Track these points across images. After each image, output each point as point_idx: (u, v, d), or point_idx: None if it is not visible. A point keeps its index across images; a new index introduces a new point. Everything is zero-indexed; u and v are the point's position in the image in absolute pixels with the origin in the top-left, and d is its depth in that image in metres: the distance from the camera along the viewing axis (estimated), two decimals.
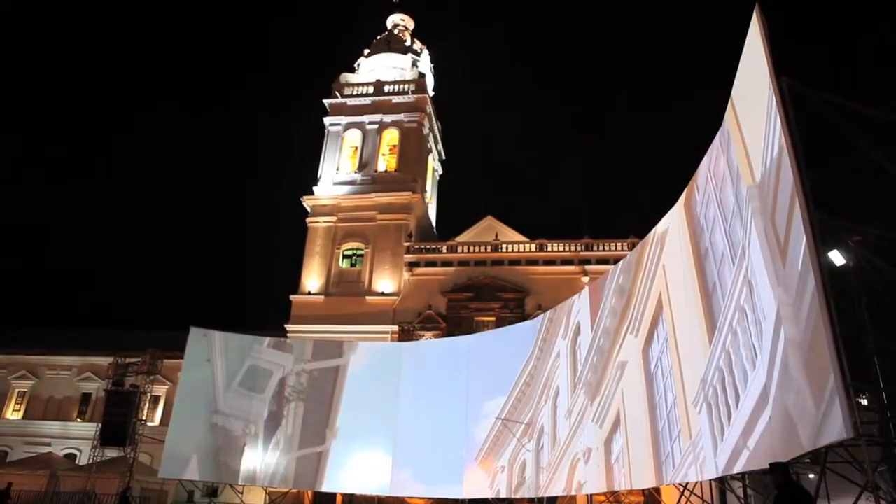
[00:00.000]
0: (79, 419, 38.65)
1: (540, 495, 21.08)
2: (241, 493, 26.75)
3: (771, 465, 7.66)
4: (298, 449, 25.11)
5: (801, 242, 8.55)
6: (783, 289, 9.27)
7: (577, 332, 20.37)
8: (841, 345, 7.82)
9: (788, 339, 9.11)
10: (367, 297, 36.53)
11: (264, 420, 25.42)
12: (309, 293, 37.32)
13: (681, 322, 14.48)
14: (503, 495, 22.37)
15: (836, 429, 7.58)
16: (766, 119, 9.93)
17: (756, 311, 10.43)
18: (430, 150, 45.12)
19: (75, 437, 37.43)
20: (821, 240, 8.71)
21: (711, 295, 12.80)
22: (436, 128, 46.42)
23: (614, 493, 20.44)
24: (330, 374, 26.24)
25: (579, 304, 20.66)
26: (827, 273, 8.42)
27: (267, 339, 27.13)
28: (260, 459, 24.78)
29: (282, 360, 26.57)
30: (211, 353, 25.84)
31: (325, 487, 25.46)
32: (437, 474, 23.69)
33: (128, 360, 29.86)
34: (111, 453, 29.12)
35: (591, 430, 18.53)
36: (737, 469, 11.42)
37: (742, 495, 13.69)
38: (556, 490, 20.28)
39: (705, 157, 13.83)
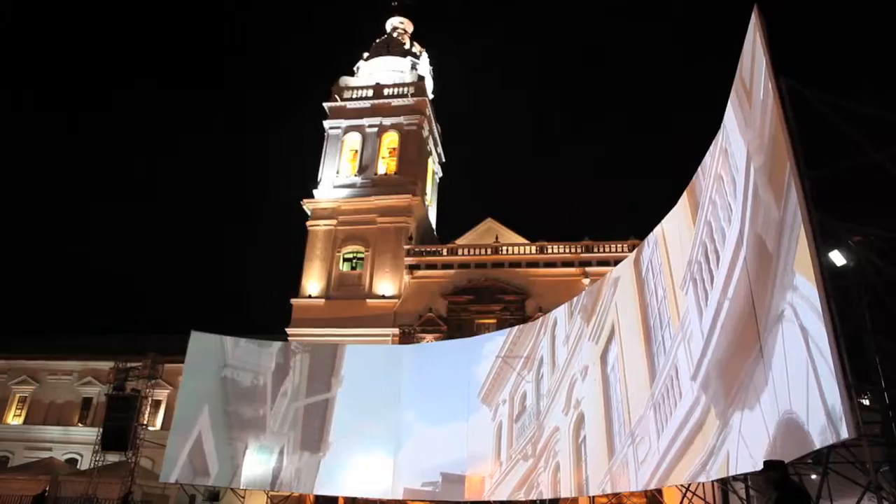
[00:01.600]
0: (80, 424, 38.60)
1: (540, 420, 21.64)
2: (243, 498, 26.74)
3: (766, 463, 7.59)
4: (300, 452, 25.10)
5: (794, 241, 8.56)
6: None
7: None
8: (842, 345, 7.82)
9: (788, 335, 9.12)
10: (368, 301, 36.53)
11: (265, 424, 25.39)
12: (310, 296, 37.32)
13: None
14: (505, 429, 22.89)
15: (838, 429, 7.57)
16: (764, 119, 9.95)
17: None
18: (429, 153, 45.15)
19: (76, 442, 37.38)
20: (821, 240, 8.71)
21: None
22: (435, 130, 46.46)
23: (616, 495, 20.42)
24: (328, 376, 26.23)
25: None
26: (828, 274, 8.42)
27: (267, 343, 27.14)
28: (261, 463, 24.76)
29: (281, 364, 26.57)
30: (212, 357, 25.84)
31: (327, 491, 25.45)
32: (440, 470, 23.68)
33: (129, 365, 29.80)
34: (112, 458, 29.08)
35: (588, 347, 19.63)
36: (739, 470, 11.42)
37: (745, 496, 13.68)
38: (556, 411, 20.86)
39: (707, 157, 13.85)
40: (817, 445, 8.28)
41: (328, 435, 25.33)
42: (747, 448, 11.04)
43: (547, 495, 20.57)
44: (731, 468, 11.76)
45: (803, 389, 8.76)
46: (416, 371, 26.00)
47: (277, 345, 27.55)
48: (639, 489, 15.84)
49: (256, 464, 24.69)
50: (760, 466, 9.86)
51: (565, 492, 19.62)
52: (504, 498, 22.08)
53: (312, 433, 25.38)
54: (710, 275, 13.35)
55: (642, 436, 15.95)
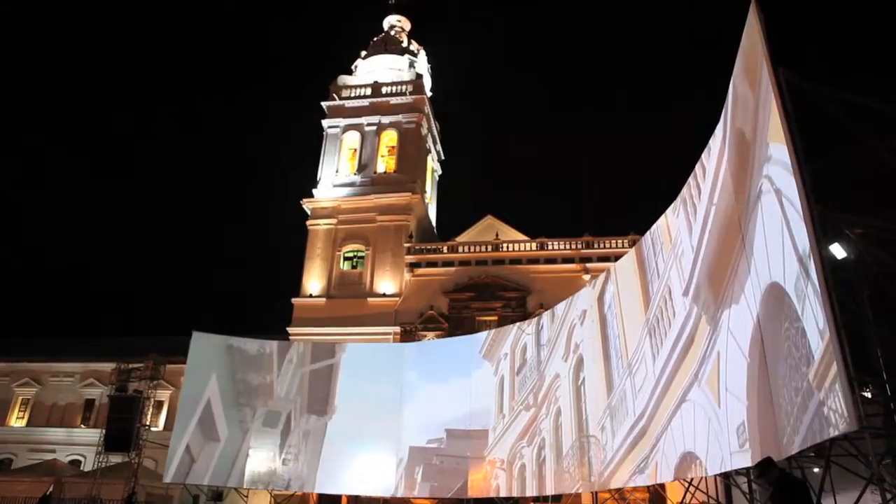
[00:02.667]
0: (83, 425, 38.67)
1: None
2: (247, 497, 26.77)
3: (760, 463, 7.56)
4: (303, 452, 25.11)
5: (797, 235, 8.55)
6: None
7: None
8: (844, 337, 7.80)
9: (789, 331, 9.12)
10: (369, 299, 36.53)
11: (268, 424, 25.42)
12: (310, 296, 37.31)
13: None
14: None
15: (840, 422, 7.56)
16: (763, 112, 9.95)
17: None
18: (428, 151, 45.10)
19: (79, 444, 37.43)
20: (821, 232, 8.69)
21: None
22: (434, 128, 46.40)
23: (619, 491, 20.46)
24: (326, 376, 26.29)
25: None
26: (828, 266, 8.40)
27: (268, 343, 27.13)
28: (264, 463, 24.77)
29: (280, 364, 26.65)
30: (214, 357, 25.84)
31: (330, 489, 25.47)
32: (441, 473, 23.78)
33: (131, 366, 29.85)
34: (115, 459, 29.13)
35: (586, 292, 20.21)
36: (742, 464, 11.48)
37: (747, 490, 13.68)
38: (557, 358, 21.34)
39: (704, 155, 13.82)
40: (820, 438, 8.25)
41: (331, 433, 25.35)
42: (735, 341, 11.46)
43: (549, 440, 21.02)
44: (721, 369, 12.13)
45: (780, 255, 9.35)
46: (417, 368, 26.22)
47: (276, 343, 27.54)
48: (635, 417, 16.35)
49: (259, 463, 24.66)
50: (748, 357, 10.22)
51: (566, 435, 20.07)
52: (509, 446, 22.55)
53: (315, 432, 25.41)
54: (697, 190, 13.88)
55: (639, 364, 16.38)
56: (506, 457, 22.62)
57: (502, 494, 22.31)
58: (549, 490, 20.65)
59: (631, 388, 16.66)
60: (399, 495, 24.60)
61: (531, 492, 21.50)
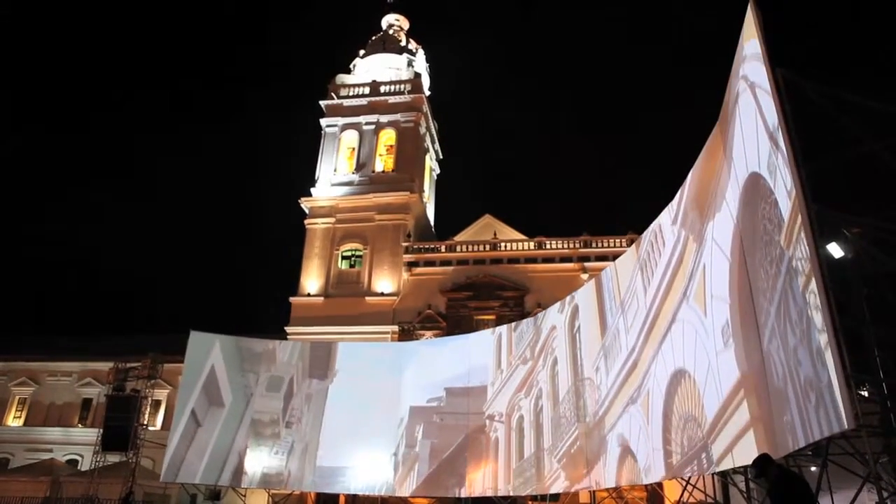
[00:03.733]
0: (80, 425, 38.56)
1: None
2: (244, 496, 26.74)
3: (757, 461, 7.48)
4: (301, 451, 25.11)
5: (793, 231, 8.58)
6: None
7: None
8: (841, 336, 7.81)
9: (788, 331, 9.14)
10: (367, 298, 36.51)
11: (266, 423, 25.42)
12: (308, 295, 37.29)
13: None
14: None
15: (837, 420, 7.58)
16: (761, 113, 9.99)
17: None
18: (427, 150, 45.07)
19: (77, 443, 37.33)
20: (819, 231, 8.70)
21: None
22: (432, 127, 46.38)
23: (617, 490, 20.48)
24: (321, 397, 26.34)
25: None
26: (826, 264, 8.41)
27: (266, 342, 27.11)
28: (262, 462, 24.76)
29: (278, 363, 26.77)
30: (212, 356, 25.82)
31: (328, 488, 25.45)
32: (438, 473, 23.86)
33: (128, 365, 29.79)
34: (113, 458, 29.05)
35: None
36: (714, 277, 12.26)
37: (745, 489, 13.71)
38: (553, 311, 21.87)
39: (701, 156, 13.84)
40: (817, 437, 8.27)
41: (328, 432, 25.39)
42: (719, 247, 11.96)
43: (545, 389, 21.35)
44: (707, 279, 12.59)
45: (754, 142, 9.89)
46: (415, 367, 26.34)
47: (274, 343, 27.56)
48: (628, 351, 16.67)
49: (257, 462, 24.64)
50: (730, 258, 11.24)
51: (562, 380, 20.44)
52: (507, 399, 22.96)
53: (313, 431, 25.48)
54: None
55: (630, 299, 16.85)
56: (504, 409, 23.24)
57: (501, 447, 22.81)
58: (547, 440, 20.94)
59: (623, 325, 17.15)
60: (400, 457, 24.80)
61: (529, 443, 21.85)
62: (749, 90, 10.27)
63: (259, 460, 24.75)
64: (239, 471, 24.49)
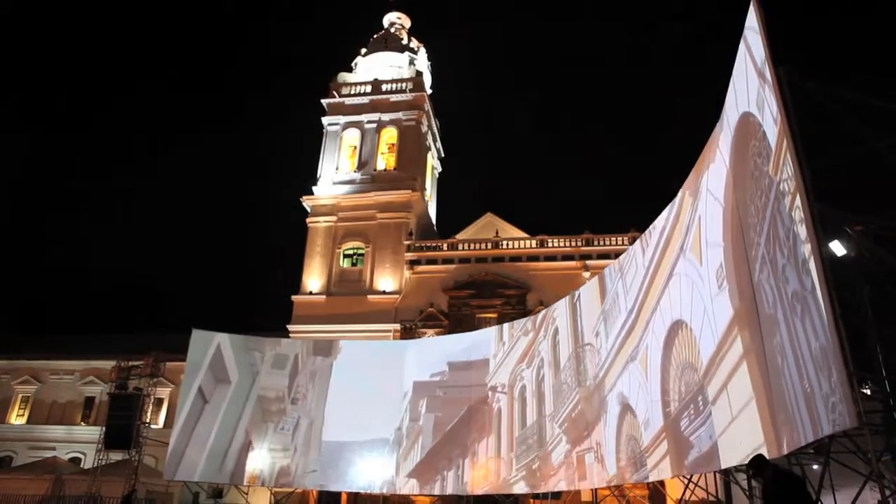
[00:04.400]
0: (83, 423, 38.68)
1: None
2: (247, 494, 26.80)
3: (752, 462, 7.46)
4: (303, 449, 25.14)
5: (800, 235, 8.57)
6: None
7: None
8: (844, 334, 7.80)
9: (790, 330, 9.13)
10: (369, 296, 36.53)
11: (271, 399, 25.56)
12: (310, 293, 37.32)
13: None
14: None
15: (839, 418, 7.57)
16: (750, 53, 10.21)
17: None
18: (428, 148, 45.06)
19: (79, 441, 37.45)
20: (822, 230, 8.69)
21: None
22: (434, 125, 46.35)
23: (618, 488, 20.48)
24: (326, 373, 26.40)
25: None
26: (828, 263, 8.40)
27: (268, 340, 27.15)
28: (264, 460, 24.79)
29: (283, 342, 27.51)
30: (214, 355, 25.85)
31: (330, 486, 25.49)
32: (440, 471, 23.90)
33: (131, 364, 29.81)
34: (116, 456, 29.11)
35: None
36: (710, 234, 12.41)
37: (747, 486, 13.71)
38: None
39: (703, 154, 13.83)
40: (819, 435, 8.27)
41: (331, 431, 25.42)
42: (713, 196, 12.17)
43: (546, 358, 21.57)
44: (703, 229, 12.79)
45: (744, 84, 10.20)
46: (415, 365, 26.45)
47: (276, 341, 27.61)
48: (627, 312, 16.82)
49: (259, 460, 24.66)
50: (723, 203, 11.49)
51: (563, 348, 20.59)
52: (509, 370, 23.17)
53: (316, 429, 25.53)
54: None
55: (628, 264, 17.15)
56: (507, 381, 23.41)
57: (503, 417, 22.96)
58: (548, 406, 21.02)
59: (623, 287, 17.34)
60: (404, 431, 25.02)
61: (531, 411, 21.95)
62: (744, 45, 10.42)
63: (264, 447, 24.83)
64: (241, 462, 24.50)
